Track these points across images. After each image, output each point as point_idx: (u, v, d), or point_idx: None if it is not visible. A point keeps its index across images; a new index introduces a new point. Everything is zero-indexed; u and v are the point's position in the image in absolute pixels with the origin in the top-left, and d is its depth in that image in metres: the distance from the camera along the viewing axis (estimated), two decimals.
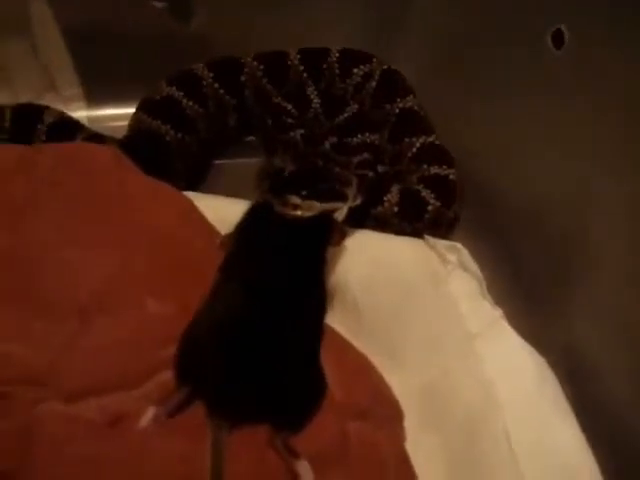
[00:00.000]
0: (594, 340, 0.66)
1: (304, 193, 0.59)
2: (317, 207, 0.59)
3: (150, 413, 0.47)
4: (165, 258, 0.58)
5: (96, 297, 0.53)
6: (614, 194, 0.65)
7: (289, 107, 0.84)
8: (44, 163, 0.62)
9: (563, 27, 0.69)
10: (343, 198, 0.63)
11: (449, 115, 0.86)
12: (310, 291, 0.57)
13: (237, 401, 0.49)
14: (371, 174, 0.76)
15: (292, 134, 0.80)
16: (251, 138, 0.89)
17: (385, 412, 0.59)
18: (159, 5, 0.86)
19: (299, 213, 0.58)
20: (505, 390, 0.63)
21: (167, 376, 0.50)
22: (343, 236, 0.64)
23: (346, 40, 0.89)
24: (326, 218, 0.61)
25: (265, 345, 0.51)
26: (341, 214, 0.63)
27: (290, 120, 0.83)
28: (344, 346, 0.61)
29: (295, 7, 0.89)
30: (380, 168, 0.82)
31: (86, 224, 0.58)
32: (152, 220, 0.61)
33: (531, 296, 0.73)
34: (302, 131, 0.81)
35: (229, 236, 0.61)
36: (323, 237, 0.61)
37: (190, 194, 0.68)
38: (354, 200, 0.65)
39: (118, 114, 0.89)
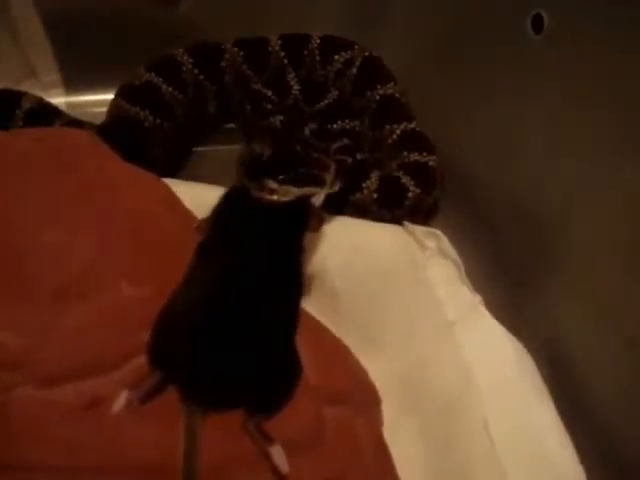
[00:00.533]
0: (574, 329, 0.67)
1: (281, 178, 0.58)
2: (294, 192, 0.59)
3: (122, 398, 0.47)
4: (142, 244, 0.58)
5: (72, 281, 0.53)
6: (590, 180, 0.66)
7: (269, 93, 0.84)
8: (21, 148, 0.62)
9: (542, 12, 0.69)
10: (320, 183, 0.63)
11: (430, 103, 0.86)
12: (286, 275, 0.57)
13: (211, 386, 0.49)
14: (350, 160, 0.76)
15: (272, 120, 0.80)
16: (231, 125, 0.89)
17: (362, 397, 0.59)
18: None
19: (275, 198, 0.58)
20: (484, 376, 0.63)
21: (142, 360, 0.50)
22: (321, 222, 0.65)
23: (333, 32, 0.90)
24: (304, 203, 0.61)
25: (239, 329, 0.51)
26: (318, 199, 0.63)
27: (270, 106, 0.82)
28: (320, 330, 0.61)
29: None
30: (360, 155, 0.82)
31: (63, 208, 0.57)
32: (130, 206, 0.60)
33: (510, 284, 0.73)
34: (281, 117, 0.81)
35: (206, 220, 0.60)
36: (301, 222, 0.61)
37: (169, 181, 0.67)
38: (332, 186, 0.64)
39: (97, 100, 0.89)
